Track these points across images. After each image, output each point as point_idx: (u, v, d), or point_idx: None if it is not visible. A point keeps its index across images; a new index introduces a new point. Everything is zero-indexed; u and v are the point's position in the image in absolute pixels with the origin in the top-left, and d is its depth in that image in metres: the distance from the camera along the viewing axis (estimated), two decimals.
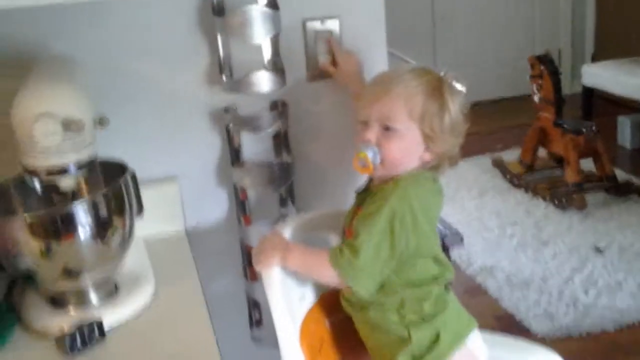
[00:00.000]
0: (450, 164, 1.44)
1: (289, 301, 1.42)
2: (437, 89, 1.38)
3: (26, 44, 1.50)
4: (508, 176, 4.45)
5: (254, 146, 1.68)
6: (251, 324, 1.77)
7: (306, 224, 1.54)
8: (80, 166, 1.26)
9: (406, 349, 1.37)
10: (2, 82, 1.39)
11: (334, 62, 1.67)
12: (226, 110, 1.63)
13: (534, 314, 2.99)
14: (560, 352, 1.55)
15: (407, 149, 1.38)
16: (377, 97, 1.37)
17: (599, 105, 5.04)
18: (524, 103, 4.67)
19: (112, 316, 1.29)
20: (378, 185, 1.41)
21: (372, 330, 1.43)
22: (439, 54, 5.88)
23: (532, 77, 4.37)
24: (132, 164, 1.38)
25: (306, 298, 1.49)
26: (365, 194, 1.44)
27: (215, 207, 1.72)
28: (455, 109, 1.38)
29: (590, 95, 4.97)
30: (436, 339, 1.37)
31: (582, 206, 3.92)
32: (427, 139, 1.38)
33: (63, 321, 1.26)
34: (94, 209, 1.27)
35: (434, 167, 1.42)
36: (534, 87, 4.35)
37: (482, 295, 3.19)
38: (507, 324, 2.89)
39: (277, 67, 1.59)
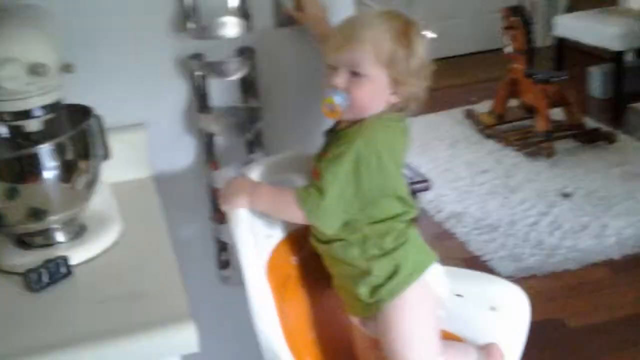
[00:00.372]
0: (416, 105, 1.47)
1: (255, 239, 1.47)
2: (405, 33, 1.40)
3: None
4: (480, 127, 4.52)
5: (221, 92, 1.72)
6: (219, 265, 1.82)
7: (273, 167, 1.58)
8: (45, 110, 1.30)
9: (366, 280, 1.44)
10: None
11: (299, 7, 1.68)
12: (193, 56, 1.66)
13: (500, 255, 3.10)
14: (525, 290, 1.62)
15: (375, 94, 1.41)
16: (345, 43, 1.39)
17: (571, 56, 5.09)
18: (498, 57, 4.71)
19: (78, 254, 1.33)
20: (345, 127, 1.45)
21: (336, 263, 1.49)
22: (413, 8, 5.89)
23: (505, 28, 4.42)
24: (100, 110, 1.42)
25: (273, 236, 1.54)
26: (333, 135, 1.47)
27: (182, 153, 1.76)
28: (421, 52, 1.41)
29: (563, 46, 5.01)
30: (395, 271, 1.44)
31: (550, 154, 4.00)
32: (395, 82, 1.40)
33: (29, 259, 1.30)
34: (59, 152, 1.31)
35: (400, 109, 1.46)
36: (507, 38, 4.39)
37: (450, 239, 3.29)
38: (474, 265, 2.99)
39: (243, 12, 1.62)
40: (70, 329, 1.16)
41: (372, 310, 1.47)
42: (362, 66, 1.38)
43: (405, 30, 1.40)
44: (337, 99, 1.39)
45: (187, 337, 1.14)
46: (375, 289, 1.44)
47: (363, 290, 1.45)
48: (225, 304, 1.80)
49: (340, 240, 1.45)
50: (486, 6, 5.97)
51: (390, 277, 1.44)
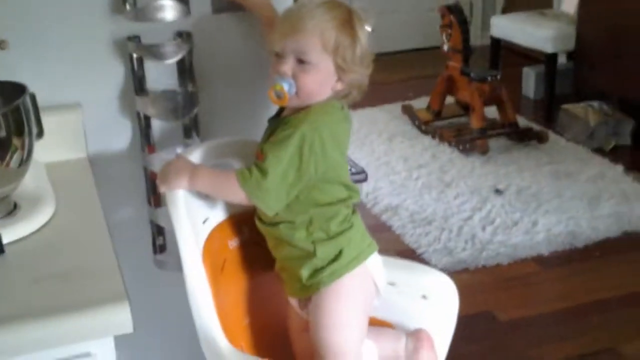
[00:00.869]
0: (359, 92, 1.50)
1: (193, 222, 1.46)
2: (348, 21, 1.43)
3: None
4: (417, 123, 4.58)
5: (159, 76, 1.70)
6: (155, 250, 1.81)
7: (212, 150, 1.57)
8: None
9: (310, 262, 1.46)
10: None
11: None
12: (129, 38, 1.65)
13: (434, 248, 3.15)
14: (457, 283, 1.65)
15: (321, 81, 1.43)
16: (291, 31, 1.41)
17: (506, 56, 5.21)
18: (436, 54, 4.79)
19: (10, 233, 1.31)
20: (290, 114, 1.47)
21: (281, 245, 1.50)
22: (354, 3, 5.93)
23: (442, 26, 4.49)
24: (35, 89, 1.40)
25: (209, 220, 1.54)
26: (277, 122, 1.49)
27: (119, 135, 1.74)
28: (364, 40, 1.44)
29: (498, 46, 5.11)
30: (339, 254, 1.46)
31: (484, 151, 4.09)
32: (340, 69, 1.43)
33: None
34: None
35: (344, 97, 1.48)
36: (444, 37, 4.47)
37: (386, 231, 3.34)
38: (409, 257, 3.01)
39: None
40: (2, 307, 1.14)
41: (311, 291, 1.49)
42: (308, 54, 1.41)
43: (349, 19, 1.43)
44: (285, 86, 1.41)
45: (121, 317, 1.13)
46: (316, 271, 1.47)
47: (305, 272, 1.47)
48: (162, 288, 1.79)
49: (286, 222, 1.46)
50: (426, 3, 6.05)
51: (333, 260, 1.47)
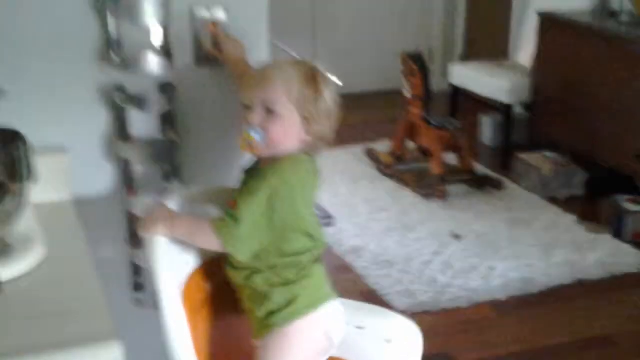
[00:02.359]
0: (325, 145, 1.60)
1: (172, 266, 1.54)
2: (312, 77, 1.55)
3: None
4: (379, 166, 4.69)
5: (142, 123, 1.78)
6: (133, 288, 1.87)
7: (190, 197, 1.66)
8: None
9: (265, 305, 1.55)
10: None
11: (218, 48, 1.78)
12: (115, 88, 1.73)
13: (396, 290, 3.24)
14: (419, 325, 1.73)
15: (288, 130, 1.53)
16: (260, 83, 1.53)
17: (465, 103, 5.35)
18: (399, 97, 4.91)
19: (5, 272, 1.36)
20: (263, 166, 1.56)
21: (244, 287, 1.59)
22: (319, 48, 6.07)
23: (404, 73, 4.61)
24: (25, 132, 1.46)
25: (189, 263, 1.61)
26: (252, 173, 1.58)
27: (101, 178, 1.81)
28: (328, 95, 1.55)
29: (457, 93, 5.27)
30: (292, 300, 1.55)
31: (443, 196, 4.21)
32: (306, 121, 1.54)
33: None
34: None
35: (311, 148, 1.58)
36: (405, 83, 4.59)
37: (349, 272, 3.42)
38: (371, 299, 3.12)
39: (165, 50, 1.70)
40: None
41: (264, 332, 1.57)
42: (275, 104, 1.52)
43: (313, 75, 1.55)
44: (255, 135, 1.51)
45: (112, 354, 1.19)
46: (271, 314, 1.55)
47: (261, 313, 1.56)
48: (140, 325, 1.84)
49: (250, 268, 1.55)
50: (389, 46, 6.21)
51: (286, 305, 1.55)
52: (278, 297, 1.55)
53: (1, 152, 1.43)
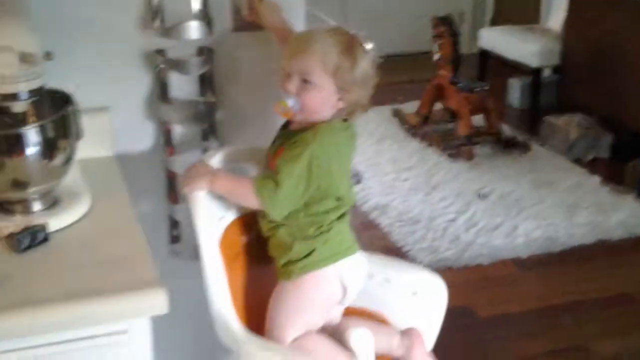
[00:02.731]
0: (361, 111, 1.66)
1: (210, 220, 1.65)
2: (349, 47, 1.58)
3: None
4: (406, 126, 4.76)
5: (182, 85, 1.88)
6: (170, 240, 1.99)
7: (230, 156, 1.75)
8: (31, 94, 1.45)
9: (286, 254, 1.65)
10: None
11: (256, 12, 1.83)
12: (157, 52, 1.83)
13: (420, 247, 3.34)
14: None
15: (322, 99, 1.59)
16: (298, 53, 1.58)
17: (493, 67, 5.37)
18: (427, 59, 4.95)
19: (54, 222, 1.48)
20: (299, 129, 1.63)
21: (272, 238, 1.69)
22: (349, 10, 6.11)
23: (434, 36, 4.65)
24: (71, 93, 1.57)
25: (225, 218, 1.71)
26: (287, 133, 1.66)
27: (143, 137, 1.92)
28: (364, 64, 1.59)
29: (486, 57, 5.31)
30: (310, 253, 1.64)
31: (470, 157, 4.28)
32: (340, 90, 1.58)
33: (11, 224, 1.45)
34: (42, 132, 1.46)
35: (347, 114, 1.64)
36: (435, 46, 4.64)
37: (374, 229, 3.53)
38: (395, 255, 3.22)
39: (205, 17, 1.78)
40: (50, 289, 1.31)
41: (284, 277, 1.67)
42: (311, 75, 1.57)
43: (350, 44, 1.59)
44: (290, 102, 1.58)
45: (157, 300, 1.30)
46: (290, 262, 1.65)
47: (282, 261, 1.66)
48: (176, 275, 1.96)
49: (279, 223, 1.65)
50: (419, 10, 6.22)
51: (304, 257, 1.64)
52: (298, 248, 1.63)
53: (52, 112, 1.55)
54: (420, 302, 1.81)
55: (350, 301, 1.73)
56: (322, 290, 1.67)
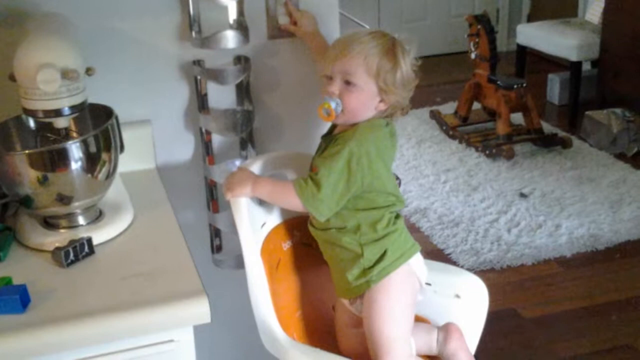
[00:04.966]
0: (402, 113, 1.68)
1: (253, 226, 1.65)
2: (391, 49, 1.60)
3: (21, 2, 1.69)
4: (444, 127, 4.74)
5: (219, 95, 1.90)
6: (213, 249, 2.02)
7: (269, 162, 1.76)
8: (73, 109, 1.47)
9: (358, 262, 1.64)
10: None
11: (293, 22, 1.87)
12: (195, 63, 1.85)
13: (462, 249, 3.32)
14: (483, 282, 1.81)
15: (364, 100, 1.60)
16: (340, 55, 1.59)
17: (532, 63, 5.34)
18: (463, 59, 4.94)
19: (98, 236, 1.51)
20: (340, 131, 1.65)
21: (331, 248, 1.68)
22: (382, 11, 6.10)
23: (470, 35, 4.63)
24: (114, 107, 1.59)
25: (267, 224, 1.73)
26: (329, 139, 1.66)
27: (183, 148, 1.94)
28: (406, 67, 1.61)
29: (524, 53, 5.26)
30: (384, 254, 1.63)
31: (510, 156, 4.25)
32: (382, 91, 1.60)
33: (56, 239, 1.48)
34: (85, 146, 1.49)
35: (388, 115, 1.66)
36: (471, 45, 4.61)
37: (415, 232, 3.51)
38: (437, 257, 3.21)
39: (241, 26, 1.80)
40: (96, 301, 1.33)
41: (360, 291, 1.66)
42: (354, 76, 1.59)
43: (392, 47, 1.61)
44: (333, 104, 1.59)
45: (200, 309, 1.32)
46: (365, 270, 1.64)
47: (355, 272, 1.64)
48: (219, 284, 1.98)
49: (336, 227, 1.64)
50: (454, 10, 6.21)
51: (379, 260, 1.63)
52: (369, 253, 1.63)
53: (94, 126, 1.58)
54: (462, 305, 1.81)
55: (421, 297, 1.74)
56: (406, 288, 1.67)
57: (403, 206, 1.70)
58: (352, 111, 1.61)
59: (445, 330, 1.76)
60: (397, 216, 1.69)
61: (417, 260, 1.70)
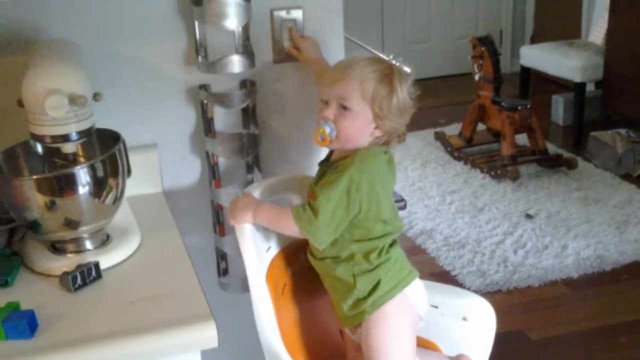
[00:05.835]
0: (399, 140, 1.67)
1: (257, 251, 1.66)
2: (388, 76, 1.59)
3: (26, 28, 1.71)
4: (449, 149, 4.75)
5: (225, 119, 1.91)
6: (219, 273, 2.01)
7: (272, 187, 1.77)
8: (80, 135, 1.48)
9: (351, 293, 1.63)
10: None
11: (297, 47, 1.89)
12: (201, 87, 1.86)
13: (468, 271, 3.32)
14: (490, 303, 1.80)
15: (359, 126, 1.60)
16: (336, 80, 1.59)
17: (536, 84, 5.35)
18: (467, 81, 4.96)
19: (106, 260, 1.51)
20: (339, 158, 1.64)
21: (327, 278, 1.68)
22: (386, 34, 6.13)
23: (474, 57, 4.65)
24: (120, 131, 1.60)
25: (271, 249, 1.73)
26: (327, 165, 1.67)
27: (189, 171, 1.95)
28: (402, 93, 1.60)
29: (528, 74, 5.28)
30: (377, 285, 1.62)
31: (515, 177, 4.25)
32: (377, 118, 1.59)
33: (64, 264, 1.48)
34: (93, 171, 1.49)
35: (384, 143, 1.65)
36: (475, 67, 4.63)
37: (421, 254, 3.51)
38: (443, 280, 3.20)
39: (247, 50, 1.81)
40: (104, 326, 1.33)
41: (356, 321, 1.65)
42: (349, 101, 1.58)
43: (389, 73, 1.60)
44: (327, 129, 1.60)
45: (208, 334, 1.32)
46: (359, 301, 1.63)
47: (348, 303, 1.64)
48: (225, 307, 1.98)
49: (331, 257, 1.64)
50: (457, 32, 6.24)
51: (372, 291, 1.62)
52: (362, 285, 1.62)
53: (101, 151, 1.58)
54: (470, 327, 1.80)
55: (421, 324, 1.72)
56: (401, 319, 1.65)
57: (400, 232, 1.69)
58: (347, 136, 1.60)
59: None
60: (392, 243, 1.67)
61: (414, 289, 1.68)
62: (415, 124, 1.69)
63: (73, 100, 1.41)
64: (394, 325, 1.63)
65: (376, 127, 1.61)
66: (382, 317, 1.62)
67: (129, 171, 1.64)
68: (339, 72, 1.62)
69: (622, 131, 4.46)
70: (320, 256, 1.66)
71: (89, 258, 1.50)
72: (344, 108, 1.58)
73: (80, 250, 1.55)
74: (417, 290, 1.69)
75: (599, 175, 4.33)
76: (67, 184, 1.48)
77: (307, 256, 1.71)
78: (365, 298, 1.62)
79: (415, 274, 1.69)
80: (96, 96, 1.53)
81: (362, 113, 1.58)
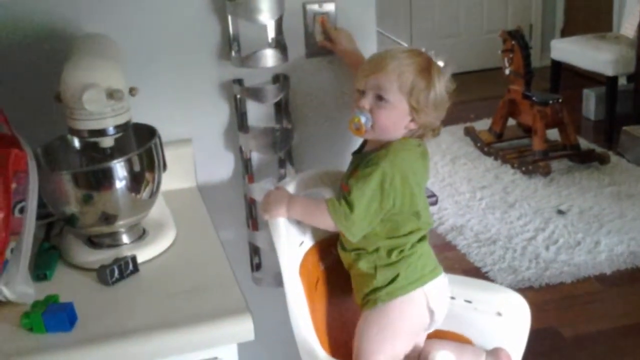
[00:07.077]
0: (433, 134, 1.67)
1: (291, 246, 1.66)
2: (426, 69, 1.59)
3: (64, 23, 1.73)
4: (479, 144, 4.72)
5: (259, 114, 1.91)
6: (252, 268, 2.02)
7: (305, 181, 1.77)
8: (117, 129, 1.49)
9: (371, 283, 1.64)
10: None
11: (330, 40, 1.88)
12: (234, 82, 1.86)
13: (499, 267, 3.29)
14: None
15: (395, 118, 1.60)
16: (374, 70, 1.59)
17: (567, 78, 5.29)
18: (497, 75, 4.91)
19: (142, 254, 1.52)
20: (372, 150, 1.64)
21: (351, 267, 1.70)
22: (415, 28, 6.11)
23: (504, 51, 4.61)
24: (155, 126, 1.61)
25: (304, 243, 1.73)
26: (360, 156, 1.67)
27: (223, 166, 1.95)
28: (440, 87, 1.60)
29: (559, 68, 5.23)
30: (395, 278, 1.63)
31: (547, 172, 4.21)
32: (413, 110, 1.59)
33: (101, 257, 1.49)
34: (130, 166, 1.50)
35: (419, 136, 1.65)
36: (505, 61, 4.59)
37: (451, 250, 3.49)
38: (474, 276, 3.15)
39: (280, 44, 1.81)
40: (141, 319, 1.34)
41: (369, 306, 1.66)
42: (386, 92, 1.58)
43: (428, 66, 1.60)
44: (363, 119, 1.59)
45: (244, 327, 1.32)
46: (376, 289, 1.64)
47: (365, 291, 1.66)
48: (259, 302, 1.99)
49: (358, 249, 1.65)
50: (487, 26, 6.19)
51: (390, 282, 1.63)
52: (382, 275, 1.63)
53: (137, 145, 1.59)
54: (504, 323, 1.79)
55: (438, 325, 1.72)
56: (410, 315, 1.66)
57: (428, 229, 1.69)
58: (382, 127, 1.60)
59: (495, 355, 1.73)
60: (421, 239, 1.67)
61: (435, 286, 1.68)
62: (445, 119, 1.68)
63: (110, 94, 1.42)
64: (396, 321, 1.64)
65: (411, 120, 1.61)
66: (389, 309, 1.64)
67: (165, 166, 1.65)
68: (377, 62, 1.61)
69: None
70: (348, 248, 1.67)
71: (125, 252, 1.51)
72: (380, 99, 1.58)
73: (117, 244, 1.56)
74: (439, 289, 1.69)
75: (631, 170, 4.28)
76: (104, 178, 1.49)
77: (337, 248, 1.71)
78: (381, 287, 1.64)
79: (437, 273, 1.69)
80: (132, 91, 1.54)
81: (398, 105, 1.58)
